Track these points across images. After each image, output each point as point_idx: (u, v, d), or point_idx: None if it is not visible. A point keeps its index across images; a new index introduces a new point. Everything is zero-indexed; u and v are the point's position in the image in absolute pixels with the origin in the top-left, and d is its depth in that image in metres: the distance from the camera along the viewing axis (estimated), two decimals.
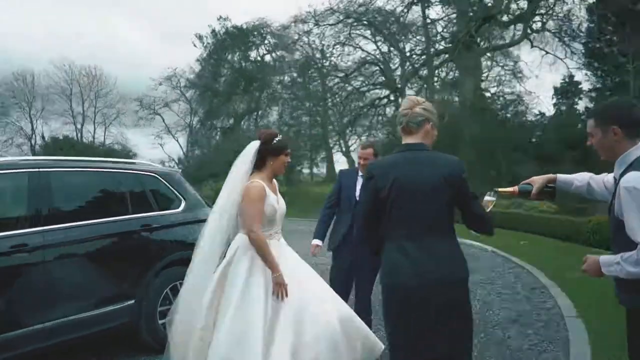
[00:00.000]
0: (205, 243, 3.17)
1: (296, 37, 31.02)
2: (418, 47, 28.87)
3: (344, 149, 41.72)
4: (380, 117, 30.10)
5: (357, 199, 4.12)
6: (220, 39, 32.95)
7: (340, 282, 4.14)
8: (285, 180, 30.41)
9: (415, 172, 2.36)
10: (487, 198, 2.89)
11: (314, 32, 30.57)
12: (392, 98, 29.64)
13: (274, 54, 33.01)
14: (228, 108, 31.95)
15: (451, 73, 28.37)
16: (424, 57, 28.17)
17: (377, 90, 30.77)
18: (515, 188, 2.77)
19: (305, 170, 38.61)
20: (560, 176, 2.71)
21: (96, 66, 35.59)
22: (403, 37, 28.86)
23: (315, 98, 31.63)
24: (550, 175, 2.73)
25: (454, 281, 2.35)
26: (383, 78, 30.24)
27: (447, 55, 27.01)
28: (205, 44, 33.22)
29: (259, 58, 33.32)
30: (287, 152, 3.24)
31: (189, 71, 33.56)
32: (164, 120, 34.97)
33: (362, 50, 30.45)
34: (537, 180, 2.71)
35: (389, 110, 29.34)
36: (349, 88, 30.27)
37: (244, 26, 32.00)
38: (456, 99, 26.98)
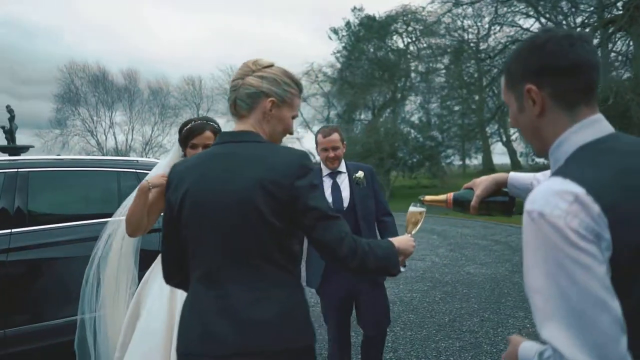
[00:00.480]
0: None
1: (448, 21, 28.95)
2: (582, 18, 24.78)
3: (504, 138, 38.76)
4: None
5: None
6: (355, 30, 32.33)
7: (335, 323, 3.28)
8: (429, 172, 29.05)
9: (217, 178, 1.52)
10: (411, 209, 1.92)
11: (469, 14, 28.26)
12: None
13: (418, 43, 31.41)
14: (366, 100, 31.32)
15: (623, 45, 23.77)
16: (588, 28, 24.06)
17: None
18: (449, 196, 1.74)
19: (457, 162, 36.56)
20: (514, 176, 1.64)
21: None
22: (573, 10, 25.01)
23: (469, 85, 29.35)
24: (500, 175, 1.67)
25: (265, 352, 1.44)
26: None
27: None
28: (340, 37, 33.04)
29: (402, 46, 32.07)
30: (191, 144, 2.58)
31: (326, 65, 33.89)
32: (302, 115, 35.63)
33: (522, 28, 27.24)
34: (480, 184, 1.67)
35: None
36: (495, 71, 27.33)
37: (383, 15, 30.90)
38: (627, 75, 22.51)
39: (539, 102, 1.10)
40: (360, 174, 3.20)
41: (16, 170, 3.82)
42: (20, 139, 13.50)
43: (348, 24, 32.57)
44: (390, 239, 1.73)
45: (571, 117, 1.09)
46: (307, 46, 55.59)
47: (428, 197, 1.81)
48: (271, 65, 1.66)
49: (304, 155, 1.55)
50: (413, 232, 1.92)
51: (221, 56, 62.86)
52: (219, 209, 1.49)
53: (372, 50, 31.90)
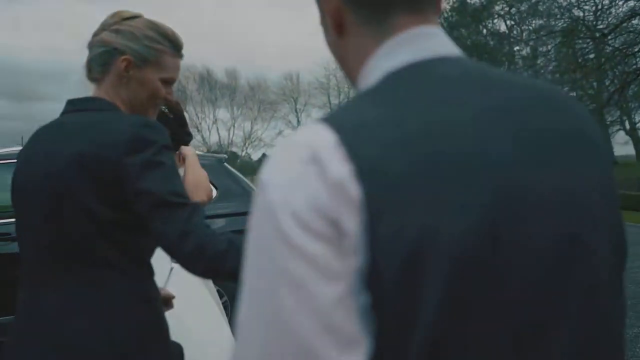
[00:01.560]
0: None
1: None
2: None
3: (627, 126, 34.59)
4: None
5: None
6: (447, 16, 30.73)
7: None
8: None
9: (39, 155, 1.23)
10: None
11: None
12: None
13: (522, 25, 29.18)
14: None
15: None
16: None
17: None
18: None
19: None
20: None
21: None
22: None
23: (582, 67, 26.68)
24: None
25: None
26: None
27: None
28: None
29: (505, 30, 30.01)
30: None
31: None
32: None
33: None
34: None
35: None
36: (608, 50, 24.39)
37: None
38: None
39: (331, 14, 0.64)
40: None
41: None
42: None
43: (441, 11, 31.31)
44: None
45: (381, 33, 0.61)
46: None
47: None
48: (136, 17, 1.31)
49: (143, 124, 1.17)
50: None
51: (320, 49, 64.19)
52: (34, 193, 1.21)
53: (467, 36, 30.27)
